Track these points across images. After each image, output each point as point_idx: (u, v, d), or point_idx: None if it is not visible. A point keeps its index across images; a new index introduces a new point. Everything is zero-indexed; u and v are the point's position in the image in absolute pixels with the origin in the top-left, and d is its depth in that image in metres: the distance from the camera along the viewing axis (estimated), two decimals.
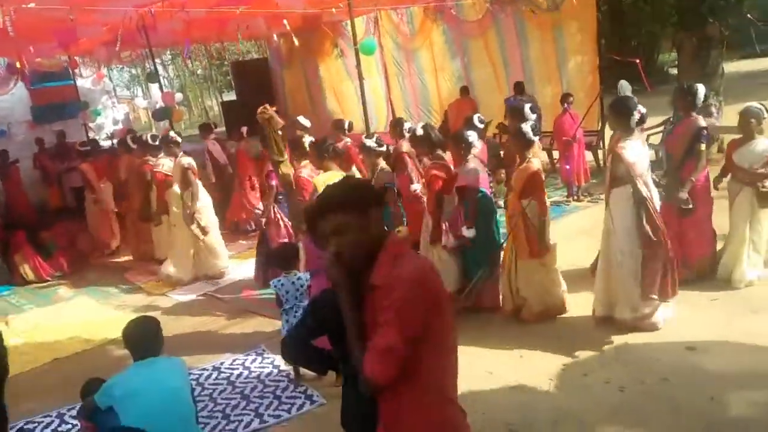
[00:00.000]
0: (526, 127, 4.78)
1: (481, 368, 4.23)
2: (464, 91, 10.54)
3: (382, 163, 5.72)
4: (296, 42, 9.93)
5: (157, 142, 7.35)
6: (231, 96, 23.02)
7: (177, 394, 3.07)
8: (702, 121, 4.94)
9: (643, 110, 4.42)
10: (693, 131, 4.91)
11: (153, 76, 10.03)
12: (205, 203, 6.96)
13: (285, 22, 8.72)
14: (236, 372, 4.74)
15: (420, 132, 5.25)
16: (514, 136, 4.98)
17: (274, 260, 4.52)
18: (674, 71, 12.39)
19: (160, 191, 7.22)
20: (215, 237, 7.09)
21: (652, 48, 21.92)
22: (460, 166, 5.07)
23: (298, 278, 4.29)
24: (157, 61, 23.45)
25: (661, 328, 4.39)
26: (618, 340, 4.39)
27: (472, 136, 5.10)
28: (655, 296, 4.35)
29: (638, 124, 4.41)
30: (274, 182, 5.93)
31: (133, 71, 29.99)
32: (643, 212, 4.23)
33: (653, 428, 3.41)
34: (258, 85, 14.65)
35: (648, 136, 7.30)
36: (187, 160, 6.81)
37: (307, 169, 5.24)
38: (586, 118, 8.40)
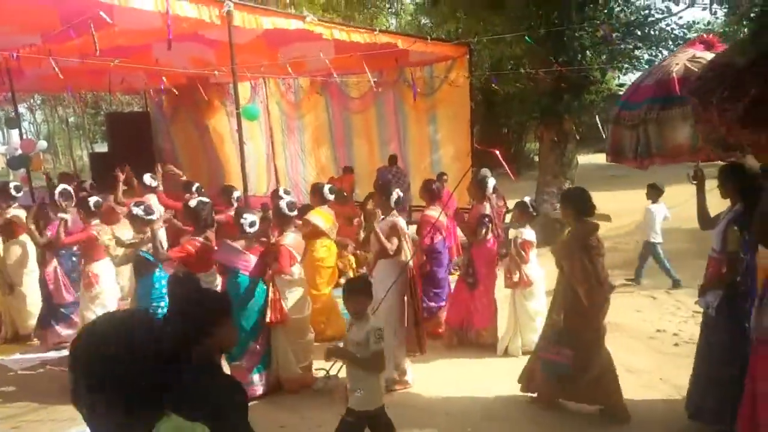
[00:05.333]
0: (283, 203, 5.18)
1: None
2: (347, 169, 10.91)
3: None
4: (176, 92, 9.69)
5: None
6: (103, 147, 21.84)
7: None
8: (486, 209, 5.74)
9: (401, 194, 5.15)
10: (477, 217, 5.73)
11: (13, 122, 9.32)
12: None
13: (164, 78, 8.53)
14: None
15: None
16: (273, 214, 5.31)
17: None
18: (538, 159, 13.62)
19: None
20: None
21: (521, 136, 24.02)
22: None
23: None
24: (24, 105, 21.90)
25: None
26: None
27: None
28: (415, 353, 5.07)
29: (396, 204, 5.07)
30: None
31: None
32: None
33: None
34: (135, 138, 13.97)
35: (505, 215, 7.91)
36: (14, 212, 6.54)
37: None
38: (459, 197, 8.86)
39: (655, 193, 7.56)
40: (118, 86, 9.98)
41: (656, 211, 7.50)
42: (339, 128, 11.84)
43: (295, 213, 5.34)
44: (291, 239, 5.15)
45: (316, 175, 11.96)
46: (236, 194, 7.60)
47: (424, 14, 18.82)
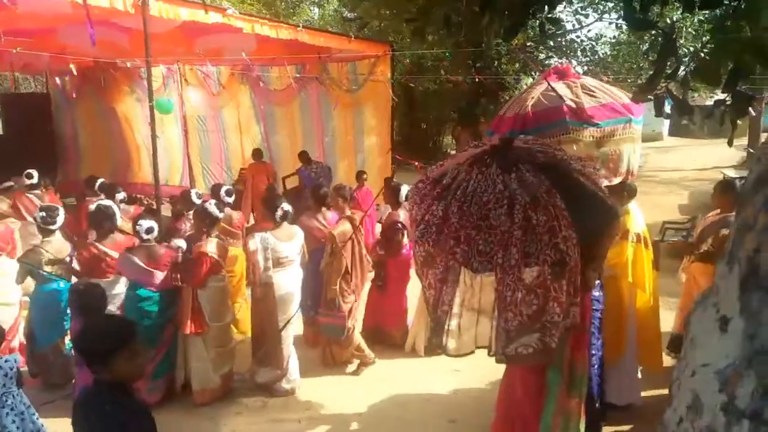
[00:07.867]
0: (210, 206, 4.92)
1: None
2: (257, 155, 10.50)
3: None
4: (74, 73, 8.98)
5: None
6: None
7: None
8: (398, 216, 5.82)
9: (288, 208, 5.01)
10: (390, 224, 5.89)
11: None
12: None
13: (71, 66, 8.01)
14: None
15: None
16: (196, 215, 5.03)
17: None
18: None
19: None
20: None
21: (439, 130, 24.49)
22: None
23: (6, 361, 3.69)
24: None
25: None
26: None
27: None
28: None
29: (282, 218, 4.97)
30: None
31: None
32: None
33: None
34: (33, 122, 13.01)
35: None
36: None
37: None
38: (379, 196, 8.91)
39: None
40: (19, 68, 9.23)
41: None
42: (263, 119, 11.59)
43: (221, 215, 5.05)
44: (213, 246, 4.78)
45: (243, 163, 11.64)
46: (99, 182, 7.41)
47: (349, 9, 18.68)
